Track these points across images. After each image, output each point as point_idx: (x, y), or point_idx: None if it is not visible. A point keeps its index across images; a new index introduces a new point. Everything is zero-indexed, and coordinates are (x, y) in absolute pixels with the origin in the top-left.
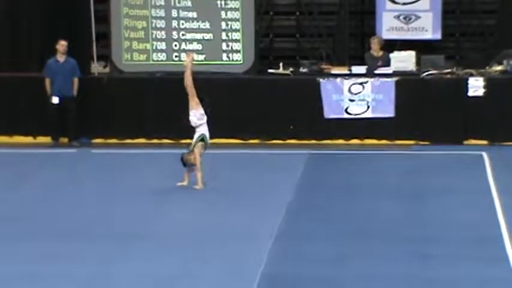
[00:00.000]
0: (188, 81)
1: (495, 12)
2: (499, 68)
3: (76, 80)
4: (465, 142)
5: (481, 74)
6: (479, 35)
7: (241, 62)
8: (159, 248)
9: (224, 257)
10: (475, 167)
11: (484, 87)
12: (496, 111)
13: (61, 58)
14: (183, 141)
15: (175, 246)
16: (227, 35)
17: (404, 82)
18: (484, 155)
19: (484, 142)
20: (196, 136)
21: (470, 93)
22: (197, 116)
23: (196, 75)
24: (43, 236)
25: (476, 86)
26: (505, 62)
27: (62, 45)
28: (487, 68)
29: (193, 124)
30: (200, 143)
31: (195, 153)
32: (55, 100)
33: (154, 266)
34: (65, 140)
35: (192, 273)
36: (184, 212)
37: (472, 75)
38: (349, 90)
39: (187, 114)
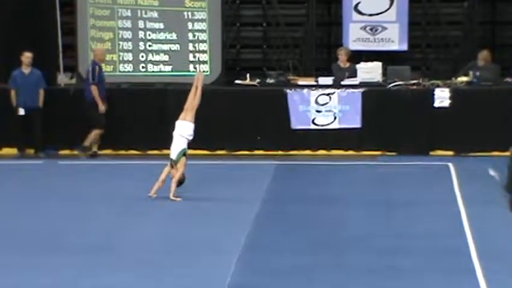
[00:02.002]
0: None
1: (460, 24)
2: (465, 79)
3: (42, 92)
4: (431, 153)
5: (447, 85)
6: (445, 46)
7: (208, 73)
8: (125, 260)
9: (191, 269)
10: (441, 177)
11: (450, 98)
12: (462, 122)
13: (26, 69)
14: (150, 152)
15: (141, 258)
16: (194, 46)
17: (371, 93)
18: (450, 165)
19: (450, 153)
20: (180, 150)
21: (437, 104)
22: (192, 129)
23: (164, 87)
24: (7, 247)
25: (442, 97)
26: (470, 73)
27: (26, 57)
28: (453, 79)
29: (184, 135)
30: (184, 158)
31: (178, 168)
32: (21, 112)
33: (119, 279)
34: (31, 151)
35: (159, 285)
36: (151, 224)
37: (438, 86)
38: (316, 101)
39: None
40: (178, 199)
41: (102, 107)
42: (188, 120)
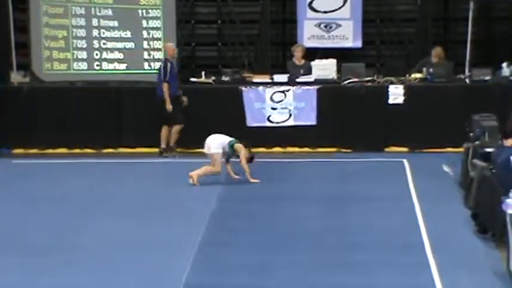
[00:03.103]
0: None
1: (414, 21)
2: (419, 75)
3: None
4: (386, 149)
5: (401, 82)
6: (398, 43)
7: None
8: (81, 259)
9: (147, 267)
10: (396, 173)
11: (404, 94)
12: (416, 119)
13: None
14: (105, 150)
15: (98, 257)
16: (149, 44)
17: (326, 90)
18: (405, 161)
19: (405, 149)
20: (226, 143)
21: (391, 100)
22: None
23: (119, 85)
24: None
25: (396, 94)
26: (424, 69)
27: None
28: (407, 75)
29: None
30: (237, 145)
31: (240, 152)
32: None
33: (76, 277)
34: None
35: (115, 284)
36: (107, 222)
37: (392, 83)
38: (271, 99)
39: None
40: (256, 180)
41: (169, 106)
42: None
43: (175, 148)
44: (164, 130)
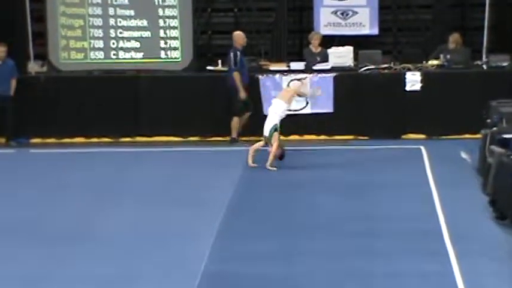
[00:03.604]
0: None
1: (431, 7)
2: (436, 62)
3: (14, 81)
4: (403, 136)
5: (418, 69)
6: (415, 30)
7: (179, 60)
8: (100, 248)
9: (166, 255)
10: (414, 160)
11: (421, 81)
12: (433, 106)
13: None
14: (123, 139)
15: (116, 246)
16: (165, 33)
17: (343, 78)
18: (422, 148)
19: (422, 136)
20: (271, 126)
21: (408, 87)
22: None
23: (135, 74)
24: None
25: (413, 81)
26: (441, 56)
27: (0, 51)
28: (424, 62)
29: (278, 112)
30: (276, 133)
31: (272, 144)
32: None
33: (96, 267)
34: (2, 140)
35: (134, 272)
36: (125, 211)
37: (409, 70)
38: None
39: None
40: (273, 168)
41: (242, 94)
42: (283, 100)
43: (236, 140)
44: (236, 120)
